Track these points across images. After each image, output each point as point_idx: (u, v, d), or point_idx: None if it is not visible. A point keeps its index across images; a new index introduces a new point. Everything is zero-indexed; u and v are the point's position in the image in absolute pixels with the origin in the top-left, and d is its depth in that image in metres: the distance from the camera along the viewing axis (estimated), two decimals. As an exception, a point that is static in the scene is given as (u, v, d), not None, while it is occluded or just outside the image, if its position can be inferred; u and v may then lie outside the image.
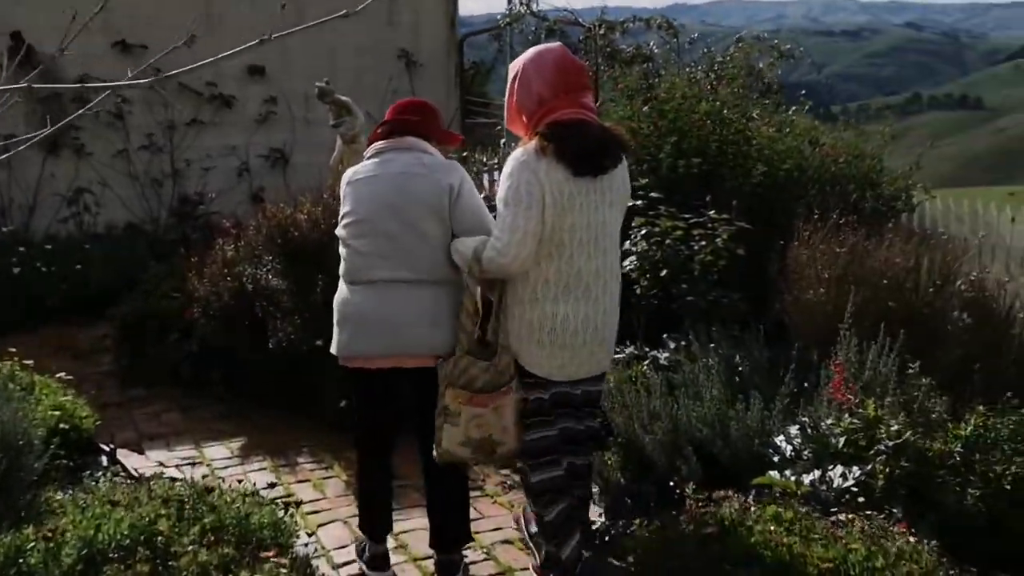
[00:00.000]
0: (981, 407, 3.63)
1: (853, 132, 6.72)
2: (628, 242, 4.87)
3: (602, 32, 8.66)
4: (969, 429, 3.52)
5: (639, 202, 4.99)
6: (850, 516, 2.97)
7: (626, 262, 4.85)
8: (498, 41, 9.24)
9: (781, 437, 3.62)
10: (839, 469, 3.28)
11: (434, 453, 3.11)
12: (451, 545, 3.39)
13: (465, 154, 6.41)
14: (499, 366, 2.99)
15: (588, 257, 2.93)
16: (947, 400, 3.77)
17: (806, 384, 4.06)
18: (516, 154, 2.93)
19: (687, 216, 4.88)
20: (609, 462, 3.83)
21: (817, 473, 3.31)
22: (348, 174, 3.36)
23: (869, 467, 3.26)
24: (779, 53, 8.50)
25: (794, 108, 7.09)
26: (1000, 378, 4.47)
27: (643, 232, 4.83)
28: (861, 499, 3.17)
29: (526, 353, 3.00)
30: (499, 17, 9.29)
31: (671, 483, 3.60)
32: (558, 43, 3.24)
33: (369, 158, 3.33)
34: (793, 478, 3.28)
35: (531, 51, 3.05)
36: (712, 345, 4.44)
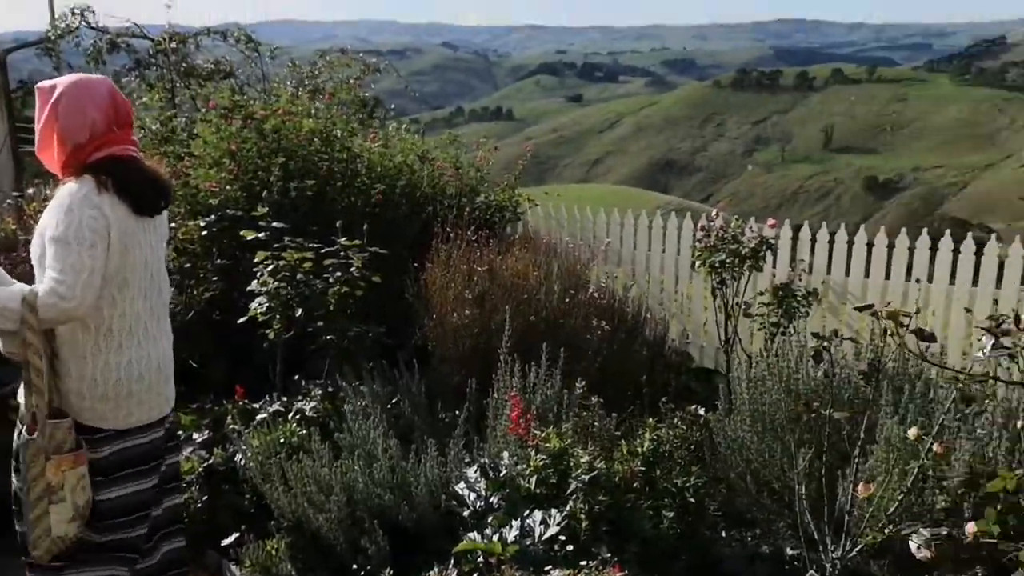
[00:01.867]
0: (651, 419, 3.59)
1: (454, 145, 6.62)
2: (255, 282, 4.21)
3: (173, 46, 7.72)
4: (646, 445, 3.43)
5: (261, 234, 4.36)
6: (567, 573, 2.68)
7: (254, 303, 4.21)
8: (50, 56, 7.88)
9: (462, 484, 3.27)
10: (538, 515, 2.99)
11: (36, 553, 2.63)
12: None
13: (33, 190, 5.22)
14: (69, 423, 2.68)
15: (145, 297, 2.80)
16: (615, 416, 3.69)
17: (457, 413, 3.77)
18: (71, 188, 2.64)
19: (316, 245, 4.34)
20: (274, 552, 3.18)
21: (516, 524, 2.99)
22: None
23: (568, 507, 3.02)
24: (366, 67, 8.22)
25: (394, 123, 6.85)
26: (634, 383, 4.58)
27: (270, 268, 4.19)
28: (570, 547, 2.90)
29: (88, 411, 2.69)
30: (47, 31, 7.92)
31: (355, 567, 3.06)
32: (102, 76, 2.93)
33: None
34: (495, 537, 2.92)
35: (74, 77, 2.78)
36: (359, 384, 3.99)
